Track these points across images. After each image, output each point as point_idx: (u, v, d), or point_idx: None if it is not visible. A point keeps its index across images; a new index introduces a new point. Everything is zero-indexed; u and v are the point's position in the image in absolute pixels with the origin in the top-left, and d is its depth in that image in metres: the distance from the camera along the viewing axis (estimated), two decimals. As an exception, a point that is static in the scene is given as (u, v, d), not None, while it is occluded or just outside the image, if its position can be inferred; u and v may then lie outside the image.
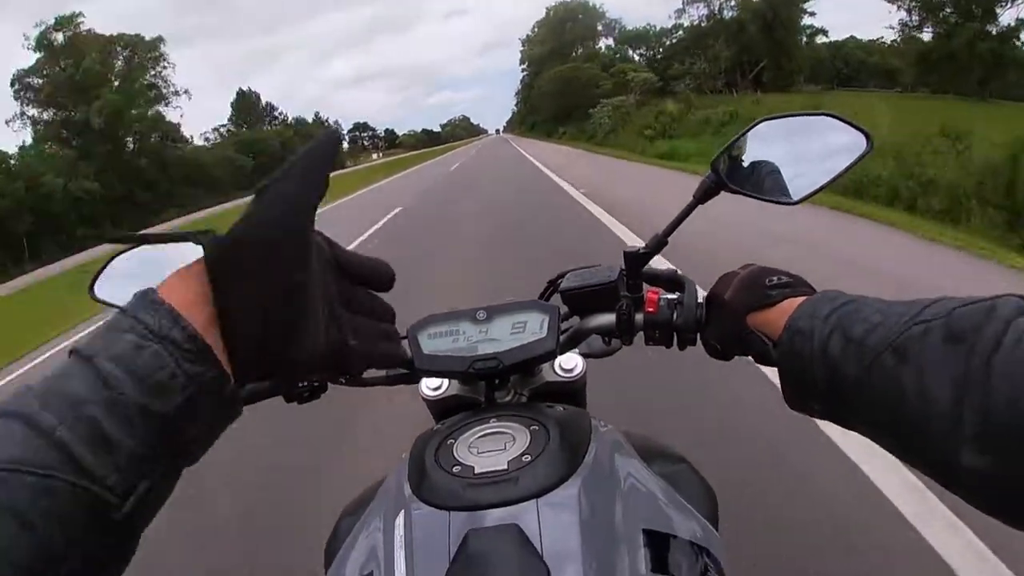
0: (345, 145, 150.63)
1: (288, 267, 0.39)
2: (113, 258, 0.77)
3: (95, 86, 44.61)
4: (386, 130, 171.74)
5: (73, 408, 0.33)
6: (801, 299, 0.57)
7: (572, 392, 0.86)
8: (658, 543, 0.60)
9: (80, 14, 46.26)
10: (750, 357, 0.65)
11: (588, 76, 45.58)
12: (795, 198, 0.72)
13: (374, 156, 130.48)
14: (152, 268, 0.70)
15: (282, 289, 0.39)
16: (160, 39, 52.00)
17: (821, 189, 0.71)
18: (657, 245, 0.77)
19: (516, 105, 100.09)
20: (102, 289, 0.76)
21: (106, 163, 44.01)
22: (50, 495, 0.31)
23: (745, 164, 0.74)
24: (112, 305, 0.71)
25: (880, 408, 0.46)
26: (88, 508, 0.33)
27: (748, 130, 0.72)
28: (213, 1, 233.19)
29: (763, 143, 0.72)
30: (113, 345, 0.35)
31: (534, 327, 0.73)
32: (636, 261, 0.77)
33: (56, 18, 45.75)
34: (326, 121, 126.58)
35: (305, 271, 0.40)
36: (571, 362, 0.86)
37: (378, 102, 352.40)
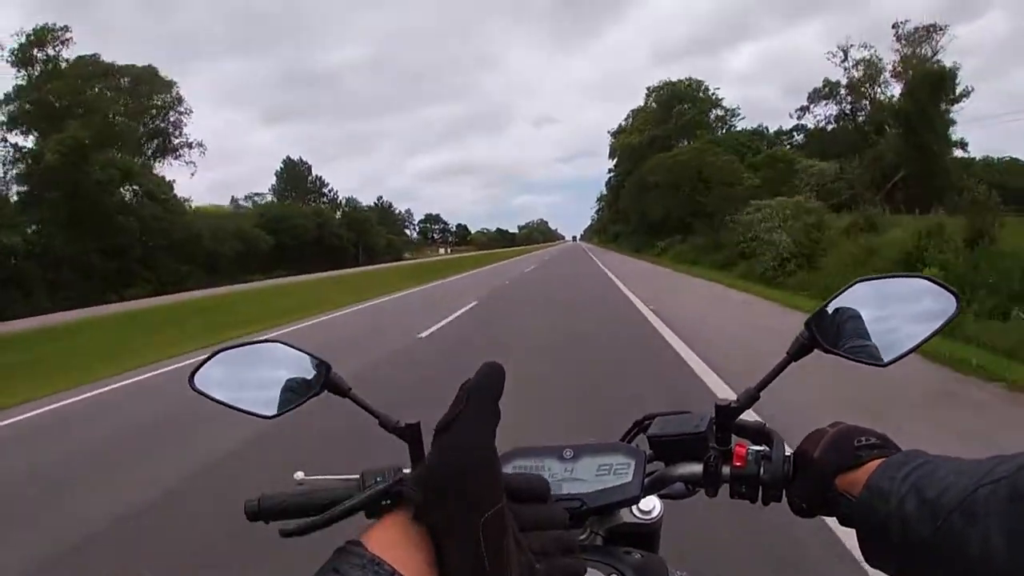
0: (414, 235, 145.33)
1: (489, 492, 0.40)
2: (218, 352, 0.81)
3: (66, 117, 35.36)
4: (458, 225, 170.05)
5: None
6: (883, 459, 0.58)
7: (648, 535, 0.86)
8: None
9: (66, 28, 38.64)
10: (835, 518, 0.64)
11: (721, 164, 31.77)
12: (886, 360, 0.72)
13: (441, 251, 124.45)
14: (257, 371, 0.82)
15: (488, 516, 0.40)
16: (174, 83, 43.84)
17: (912, 351, 0.72)
18: (749, 400, 0.76)
19: (597, 212, 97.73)
20: (202, 381, 0.80)
21: (56, 213, 33.89)
22: None
23: (839, 323, 0.73)
24: (209, 397, 0.79)
25: (950, 570, 0.46)
26: None
27: (845, 290, 0.74)
28: (312, 82, 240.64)
29: (857, 302, 0.74)
30: None
31: (620, 470, 0.74)
32: (727, 414, 0.77)
33: (34, 29, 37.82)
34: (389, 206, 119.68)
35: (501, 496, 0.41)
36: (649, 504, 0.86)
37: (460, 198, 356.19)
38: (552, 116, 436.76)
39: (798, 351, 0.74)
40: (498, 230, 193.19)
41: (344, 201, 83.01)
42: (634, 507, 0.84)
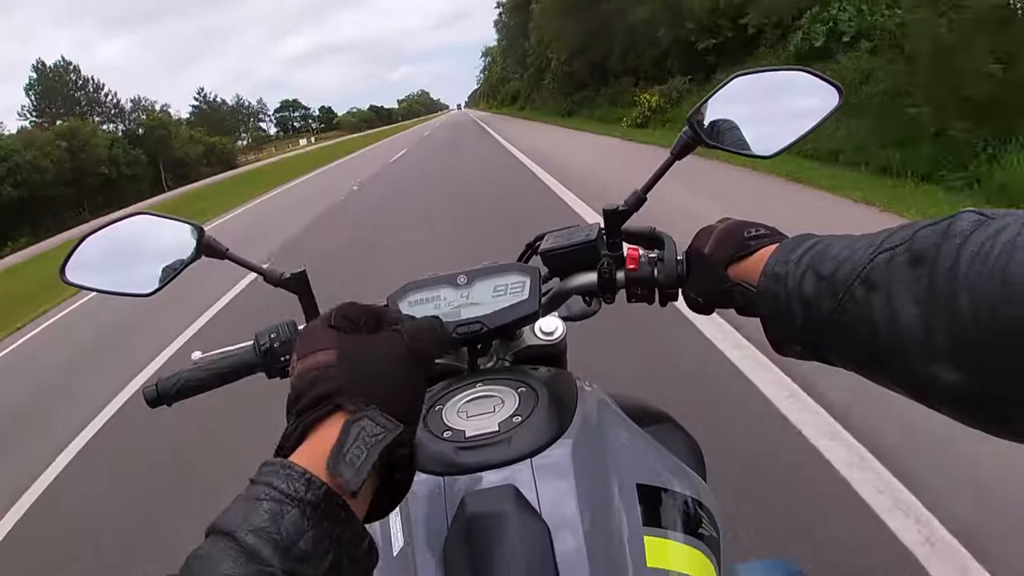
0: (272, 129, 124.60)
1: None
2: (83, 240, 0.78)
3: None
4: (321, 108, 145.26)
5: None
6: (775, 246, 0.59)
7: (554, 355, 0.86)
8: (651, 497, 0.62)
9: None
10: (732, 310, 0.66)
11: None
12: (770, 152, 0.73)
13: (302, 142, 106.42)
14: (130, 250, 0.79)
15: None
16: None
17: (796, 142, 0.73)
18: (636, 202, 0.77)
19: (483, 70, 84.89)
20: (73, 272, 0.77)
21: None
22: None
23: (721, 119, 0.73)
24: (85, 288, 0.78)
25: (856, 340, 0.46)
26: None
27: (724, 85, 0.73)
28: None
29: (740, 98, 0.73)
30: (252, 516, 0.36)
31: (516, 290, 0.74)
32: (615, 219, 0.77)
33: None
34: (236, 101, 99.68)
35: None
36: (551, 325, 0.86)
37: (334, 80, 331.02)
38: None
39: (682, 149, 0.74)
40: (371, 108, 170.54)
41: (133, 107, 64.14)
42: (537, 329, 0.85)
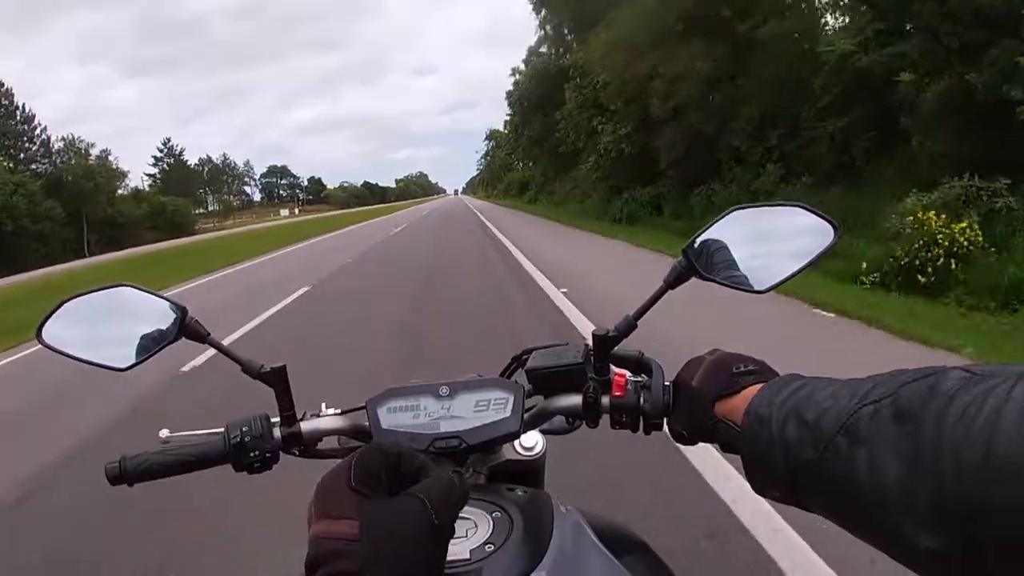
0: (257, 195, 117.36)
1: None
2: (60, 304, 0.78)
3: None
4: (311, 179, 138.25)
5: None
6: (761, 385, 0.59)
7: (532, 471, 0.85)
8: None
9: None
10: (716, 445, 0.66)
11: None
12: (763, 287, 0.74)
13: (284, 212, 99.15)
14: (109, 320, 0.79)
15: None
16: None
17: (789, 278, 0.74)
18: (627, 328, 0.76)
19: (485, 156, 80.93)
20: (50, 335, 0.77)
21: None
22: None
23: (715, 251, 0.74)
24: (61, 352, 0.76)
25: (837, 492, 0.46)
26: None
27: (721, 218, 0.75)
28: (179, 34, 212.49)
29: (735, 231, 0.74)
30: None
31: (498, 406, 0.74)
32: (605, 343, 0.76)
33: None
34: (223, 161, 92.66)
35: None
36: (531, 440, 0.85)
37: (336, 152, 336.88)
38: (433, 65, 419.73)
39: (675, 279, 0.74)
40: (365, 184, 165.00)
41: (62, 147, 54.64)
42: (516, 443, 0.84)
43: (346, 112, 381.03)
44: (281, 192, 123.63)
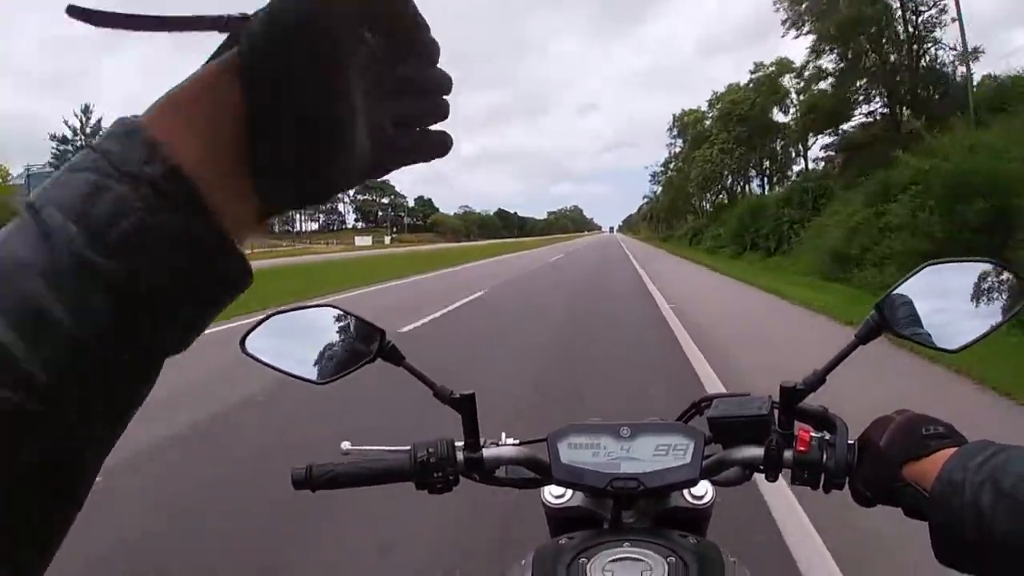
0: (350, 217, 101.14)
1: (338, 50, 0.30)
2: (268, 317, 0.82)
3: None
4: (418, 199, 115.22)
5: (8, 280, 0.25)
6: (953, 449, 0.58)
7: (698, 520, 0.85)
8: None
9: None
10: (900, 509, 0.65)
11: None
12: (955, 346, 0.72)
13: (359, 241, 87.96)
14: (310, 336, 0.83)
15: (331, 82, 0.30)
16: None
17: (982, 338, 0.72)
18: (815, 382, 0.75)
19: (652, 191, 68.50)
20: (253, 346, 0.80)
21: None
22: None
23: (907, 307, 0.73)
24: (261, 362, 0.80)
25: None
26: (12, 425, 0.23)
27: (915, 273, 0.74)
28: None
29: (927, 287, 0.73)
30: (66, 186, 0.26)
31: (678, 452, 0.75)
32: (792, 396, 0.75)
33: None
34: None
35: (355, 51, 0.31)
36: (702, 489, 0.85)
37: (496, 185, 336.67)
38: (596, 104, 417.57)
39: (867, 334, 0.73)
40: (499, 212, 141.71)
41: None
42: (687, 491, 0.84)
43: (507, 147, 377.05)
44: (379, 212, 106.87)
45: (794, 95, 32.69)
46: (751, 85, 35.06)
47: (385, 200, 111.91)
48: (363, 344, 0.80)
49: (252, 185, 0.29)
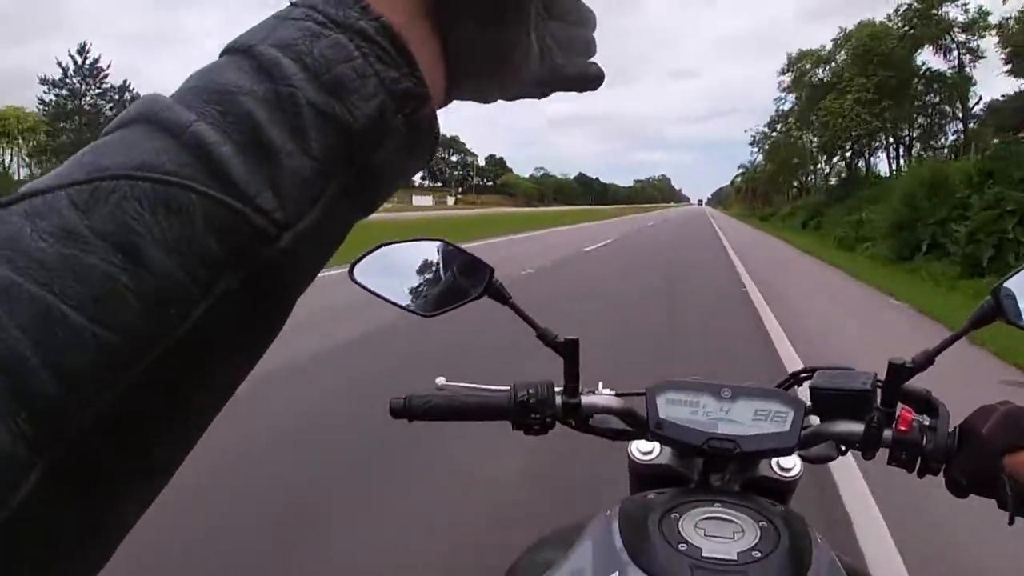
0: (418, 176, 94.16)
1: None
2: (377, 247, 0.84)
3: None
4: (489, 158, 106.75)
5: (220, 99, 0.25)
6: None
7: (783, 492, 0.84)
8: None
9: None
10: (995, 501, 0.64)
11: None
12: None
13: (419, 200, 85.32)
14: (418, 268, 0.84)
15: None
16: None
17: None
18: (925, 361, 0.74)
19: (751, 161, 57.79)
20: (361, 274, 0.82)
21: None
22: (171, 210, 0.22)
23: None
24: (369, 290, 0.82)
25: None
26: (227, 234, 0.23)
27: None
28: None
29: None
30: (280, 31, 0.27)
31: (778, 419, 0.75)
32: (899, 374, 0.75)
33: None
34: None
35: None
36: (791, 462, 0.84)
37: (581, 148, 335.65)
38: (691, 70, 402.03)
39: (980, 319, 0.72)
40: (580, 177, 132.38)
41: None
42: (775, 461, 0.83)
43: (594, 108, 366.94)
44: (454, 172, 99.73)
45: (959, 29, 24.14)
46: (898, 13, 25.71)
47: (455, 158, 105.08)
48: (470, 281, 0.81)
49: (443, 56, 0.30)
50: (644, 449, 0.87)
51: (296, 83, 0.25)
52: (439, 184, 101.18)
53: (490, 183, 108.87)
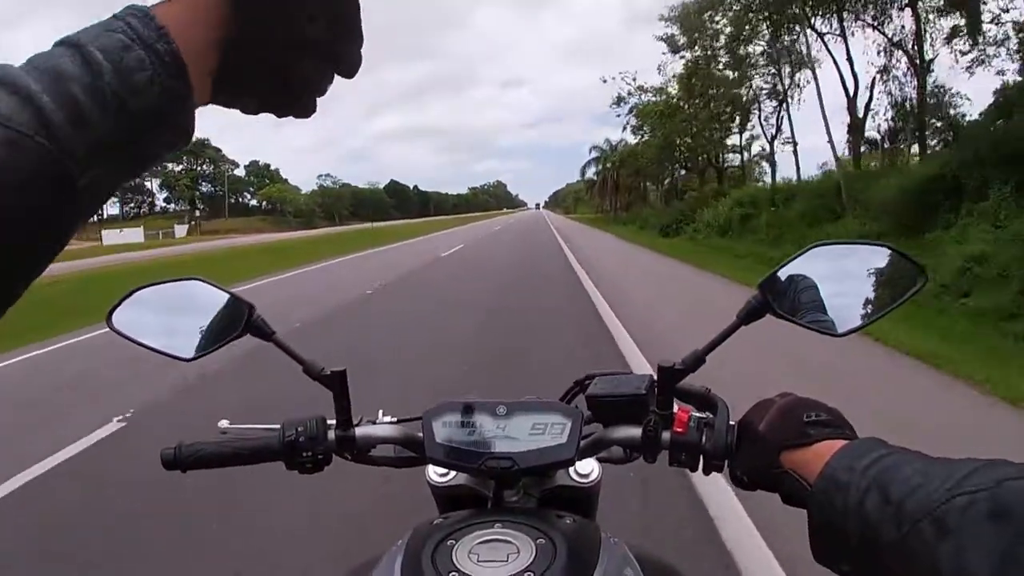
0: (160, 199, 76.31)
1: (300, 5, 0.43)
2: (132, 292, 0.81)
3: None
4: (252, 164, 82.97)
5: (58, 82, 0.35)
6: (839, 444, 0.57)
7: (584, 499, 0.85)
8: None
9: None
10: (777, 495, 0.65)
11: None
12: (842, 330, 0.71)
13: (106, 238, 68.12)
14: (176, 311, 0.82)
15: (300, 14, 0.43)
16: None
17: (869, 323, 0.71)
18: (694, 363, 0.75)
19: (596, 160, 55.01)
20: (119, 321, 0.80)
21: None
22: (16, 149, 0.33)
23: (793, 288, 0.72)
24: (128, 338, 0.79)
25: None
26: (49, 168, 0.34)
27: (802, 253, 0.72)
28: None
29: (815, 268, 0.72)
30: (103, 39, 0.38)
31: (555, 431, 0.74)
32: (670, 377, 0.75)
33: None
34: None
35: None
36: (587, 467, 0.85)
37: (420, 161, 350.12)
38: (521, 78, 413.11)
39: (748, 314, 0.72)
40: (392, 184, 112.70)
41: None
42: (571, 469, 0.83)
43: (429, 122, 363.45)
44: (198, 188, 79.47)
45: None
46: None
47: (210, 167, 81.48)
48: (230, 319, 0.78)
49: (212, 76, 0.42)
50: (440, 471, 0.85)
51: (108, 79, 0.36)
52: (184, 205, 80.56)
53: (253, 202, 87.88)
